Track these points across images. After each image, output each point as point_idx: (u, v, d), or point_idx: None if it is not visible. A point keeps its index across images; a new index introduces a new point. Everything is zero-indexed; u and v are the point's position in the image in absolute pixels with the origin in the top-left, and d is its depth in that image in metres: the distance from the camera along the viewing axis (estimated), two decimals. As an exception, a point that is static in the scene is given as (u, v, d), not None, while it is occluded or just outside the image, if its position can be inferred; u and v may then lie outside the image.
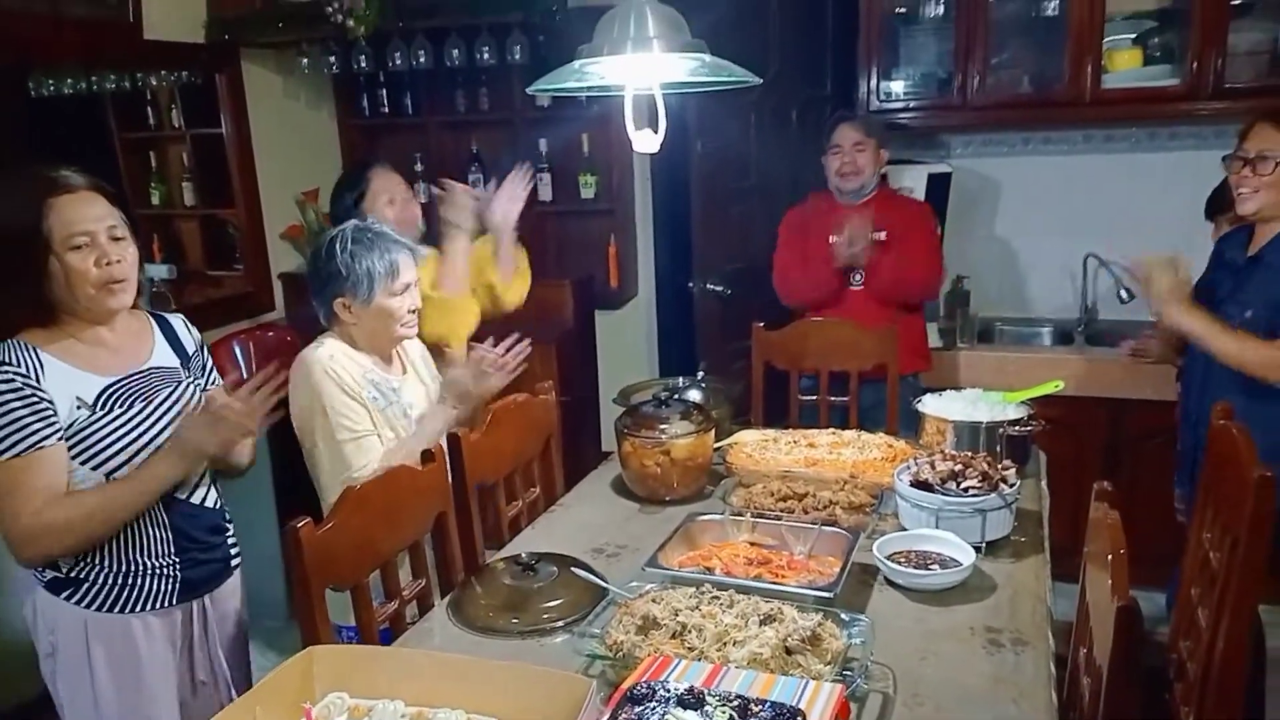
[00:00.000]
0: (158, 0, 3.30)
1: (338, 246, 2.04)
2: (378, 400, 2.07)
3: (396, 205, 2.56)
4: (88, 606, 1.69)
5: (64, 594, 1.69)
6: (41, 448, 1.58)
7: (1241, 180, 2.18)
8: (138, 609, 1.72)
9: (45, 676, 1.76)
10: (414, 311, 2.12)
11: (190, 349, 1.86)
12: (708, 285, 3.74)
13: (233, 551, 1.90)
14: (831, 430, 2.39)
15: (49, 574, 1.69)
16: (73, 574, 1.69)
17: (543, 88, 1.65)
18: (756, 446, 2.31)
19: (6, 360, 1.59)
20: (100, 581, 1.69)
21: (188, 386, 1.79)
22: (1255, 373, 2.11)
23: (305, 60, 3.75)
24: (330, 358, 2.03)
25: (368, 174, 2.55)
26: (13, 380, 1.57)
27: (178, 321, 1.88)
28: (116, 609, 1.71)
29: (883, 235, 2.94)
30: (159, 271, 3.61)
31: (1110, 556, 1.23)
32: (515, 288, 2.71)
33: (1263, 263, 2.18)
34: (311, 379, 2.00)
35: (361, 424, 2.01)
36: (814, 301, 3.01)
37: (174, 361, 1.81)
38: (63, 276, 1.61)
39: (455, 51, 3.61)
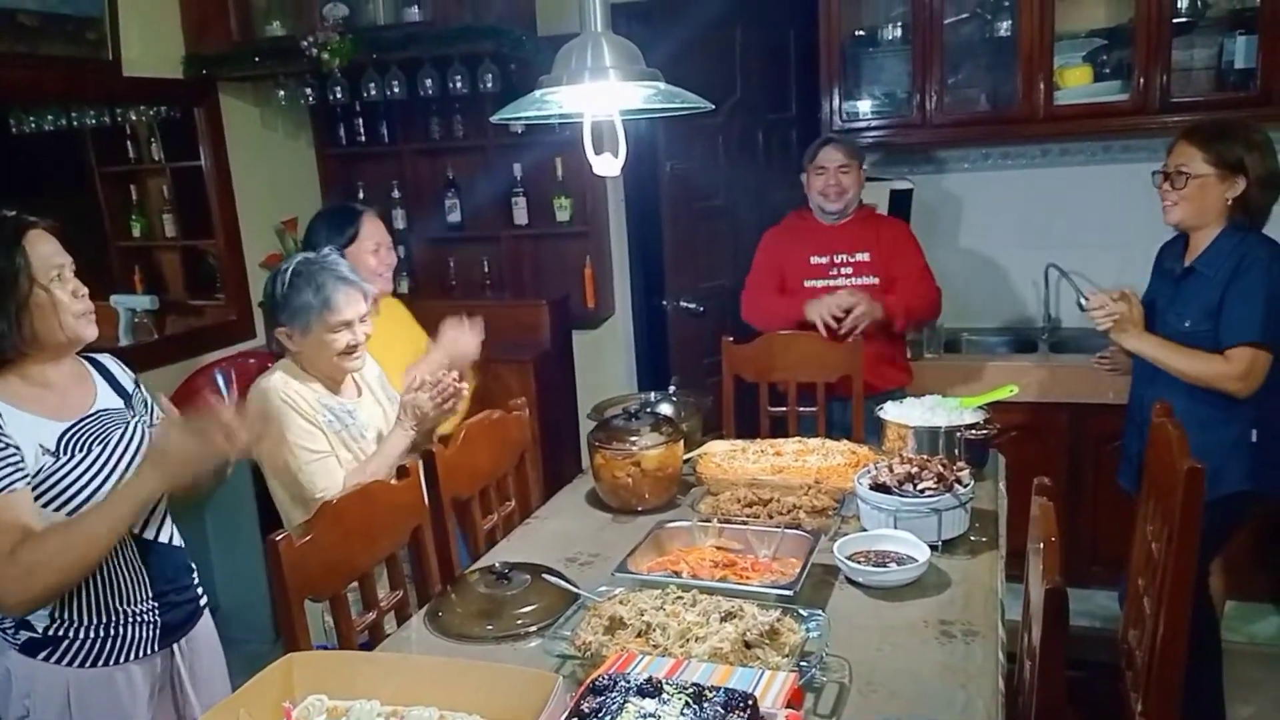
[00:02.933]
0: (136, 38, 3.38)
1: (280, 279, 2.10)
2: (333, 424, 2.12)
3: (381, 252, 2.60)
4: (69, 664, 1.65)
5: (41, 654, 1.64)
6: (13, 490, 1.54)
7: (1163, 194, 2.32)
8: (121, 660, 1.69)
9: None
10: (353, 347, 2.13)
11: (129, 388, 1.83)
12: (680, 303, 3.83)
13: (199, 592, 1.89)
14: (798, 439, 2.48)
15: (23, 635, 1.63)
16: (50, 632, 1.64)
17: (506, 117, 1.74)
18: (725, 456, 2.39)
19: None
20: (82, 637, 1.66)
21: (135, 426, 1.76)
22: (1206, 385, 2.21)
23: (282, 93, 3.83)
24: (285, 384, 2.09)
25: (359, 220, 2.58)
26: None
27: (111, 362, 1.84)
28: (100, 663, 1.67)
29: (866, 256, 3.05)
30: (141, 302, 3.67)
31: (1042, 545, 1.31)
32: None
33: (1196, 273, 2.29)
34: (269, 406, 2.04)
35: (319, 446, 2.07)
36: (772, 329, 3.03)
37: (118, 403, 1.78)
38: (50, 308, 1.61)
39: (428, 81, 3.70)
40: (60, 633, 1.65)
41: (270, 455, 2.04)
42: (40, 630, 1.64)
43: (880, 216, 3.27)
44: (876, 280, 3.05)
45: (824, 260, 3.07)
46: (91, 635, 1.67)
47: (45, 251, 1.63)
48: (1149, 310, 2.48)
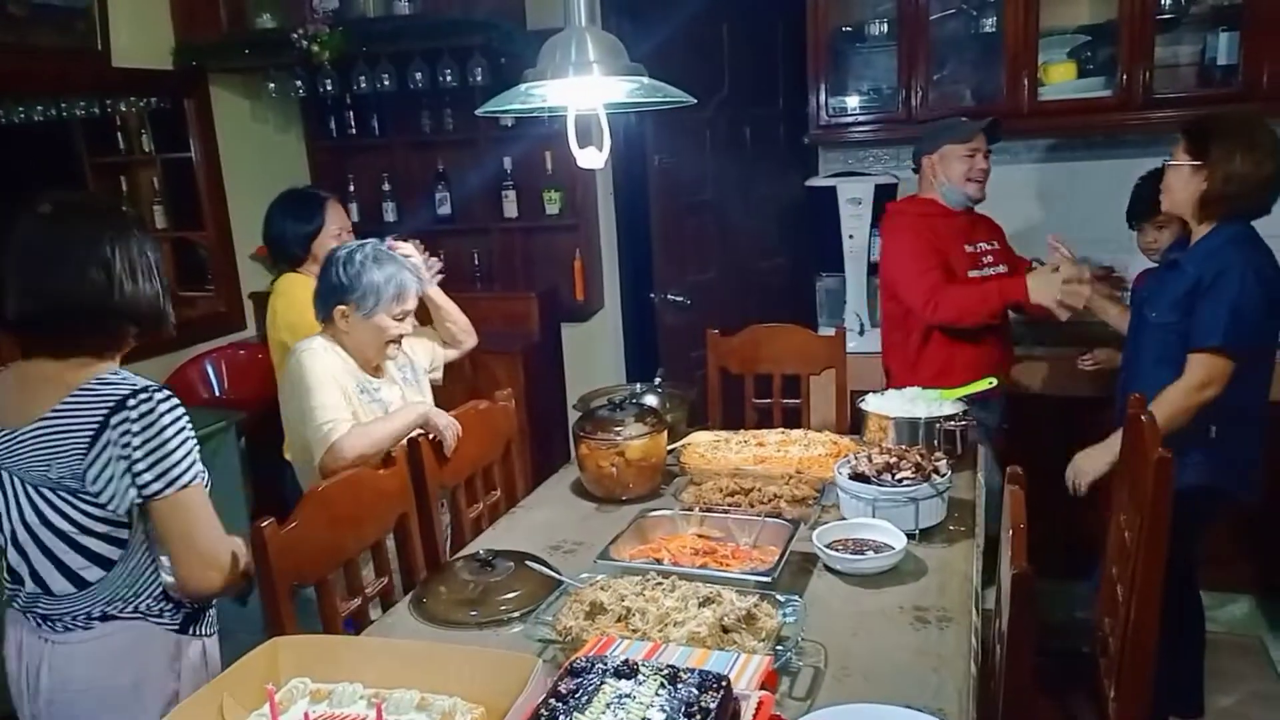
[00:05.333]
0: (125, 28, 3.39)
1: (357, 258, 2.18)
2: (363, 396, 2.21)
3: (343, 237, 2.68)
4: (205, 635, 1.71)
5: (191, 629, 1.67)
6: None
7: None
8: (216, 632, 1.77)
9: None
10: (399, 338, 2.24)
11: None
12: (668, 296, 3.85)
13: None
14: (780, 430, 2.51)
15: (180, 613, 1.66)
16: (195, 606, 1.69)
17: (490, 109, 1.76)
18: (709, 447, 2.41)
19: (178, 400, 1.57)
20: (207, 608, 1.73)
21: None
22: (1188, 410, 2.21)
23: (272, 85, 3.84)
24: (323, 349, 2.18)
25: (324, 207, 2.69)
26: (188, 415, 1.58)
27: None
28: (215, 633, 1.75)
29: (996, 244, 2.93)
30: (131, 293, 3.67)
31: (1011, 531, 1.34)
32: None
33: (1178, 266, 2.32)
34: (300, 360, 2.14)
35: (333, 398, 2.13)
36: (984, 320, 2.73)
37: None
38: None
39: (419, 74, 3.71)
40: (199, 605, 1.69)
41: (291, 406, 2.14)
42: (190, 604, 1.67)
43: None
44: (1005, 269, 2.90)
45: (974, 249, 2.85)
46: (210, 605, 1.73)
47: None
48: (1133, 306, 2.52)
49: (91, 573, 1.56)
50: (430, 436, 2.19)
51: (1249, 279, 2.18)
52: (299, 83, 3.80)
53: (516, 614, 1.72)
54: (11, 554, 1.58)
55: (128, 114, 3.81)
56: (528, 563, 1.84)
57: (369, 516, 1.89)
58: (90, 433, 1.49)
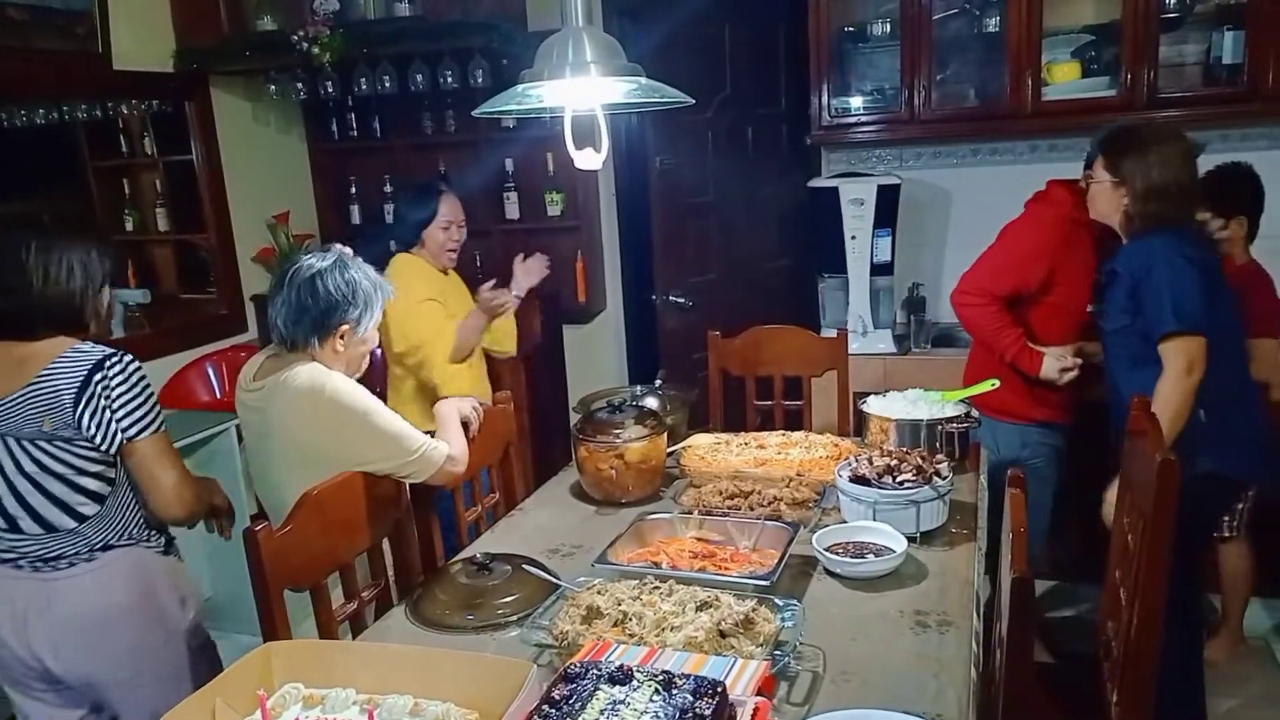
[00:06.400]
0: (126, 32, 3.39)
1: (350, 269, 1.97)
2: None
3: (451, 230, 2.87)
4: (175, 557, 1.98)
5: (171, 553, 1.96)
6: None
7: None
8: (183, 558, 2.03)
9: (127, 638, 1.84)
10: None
11: None
12: (670, 298, 3.84)
13: None
14: (781, 432, 2.49)
15: (162, 538, 1.94)
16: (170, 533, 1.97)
17: (487, 111, 1.75)
18: (709, 449, 2.40)
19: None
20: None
21: None
22: (1183, 399, 2.18)
23: (273, 87, 3.84)
24: (345, 380, 1.96)
25: (438, 199, 2.86)
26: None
27: None
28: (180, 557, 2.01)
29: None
30: (134, 296, 3.68)
31: (1011, 535, 1.33)
32: (510, 339, 3.13)
33: (1116, 274, 2.32)
34: (338, 389, 1.90)
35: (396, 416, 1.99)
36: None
37: None
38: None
39: (419, 76, 3.71)
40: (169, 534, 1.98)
41: (366, 440, 1.92)
42: (169, 533, 1.97)
43: None
44: None
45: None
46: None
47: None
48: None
49: (89, 508, 1.81)
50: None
51: (1175, 262, 2.20)
52: (300, 85, 3.80)
53: (513, 618, 1.71)
54: (10, 504, 1.79)
55: (129, 117, 3.81)
56: (525, 566, 1.83)
57: (364, 521, 1.87)
58: (75, 389, 1.74)
